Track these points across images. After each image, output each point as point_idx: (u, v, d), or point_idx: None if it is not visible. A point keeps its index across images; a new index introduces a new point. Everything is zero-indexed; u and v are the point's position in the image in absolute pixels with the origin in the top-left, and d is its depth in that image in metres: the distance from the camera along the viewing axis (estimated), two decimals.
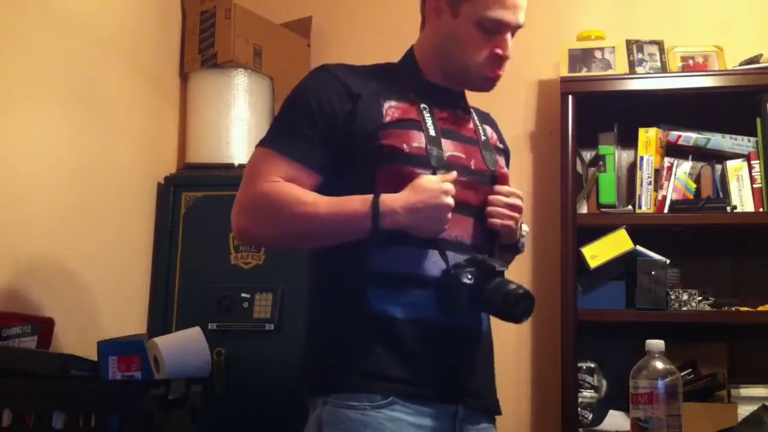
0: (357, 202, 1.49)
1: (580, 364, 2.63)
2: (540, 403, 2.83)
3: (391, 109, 1.57)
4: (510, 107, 2.84)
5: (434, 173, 1.53)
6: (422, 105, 1.60)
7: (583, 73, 2.76)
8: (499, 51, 1.58)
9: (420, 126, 1.57)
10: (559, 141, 2.67)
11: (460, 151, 1.61)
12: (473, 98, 1.74)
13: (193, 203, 2.78)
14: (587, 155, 2.87)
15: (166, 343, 2.24)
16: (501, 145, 1.76)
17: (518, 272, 2.91)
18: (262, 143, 1.59)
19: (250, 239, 1.70)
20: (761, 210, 2.61)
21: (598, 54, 2.80)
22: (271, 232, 1.55)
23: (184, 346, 2.29)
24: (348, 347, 1.52)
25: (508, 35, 1.59)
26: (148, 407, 1.92)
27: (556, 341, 2.61)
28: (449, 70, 1.64)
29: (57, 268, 2.32)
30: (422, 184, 1.49)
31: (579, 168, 2.80)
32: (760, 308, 2.61)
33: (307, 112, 1.56)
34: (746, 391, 2.55)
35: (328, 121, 1.55)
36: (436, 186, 1.48)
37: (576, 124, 2.65)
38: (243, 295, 2.62)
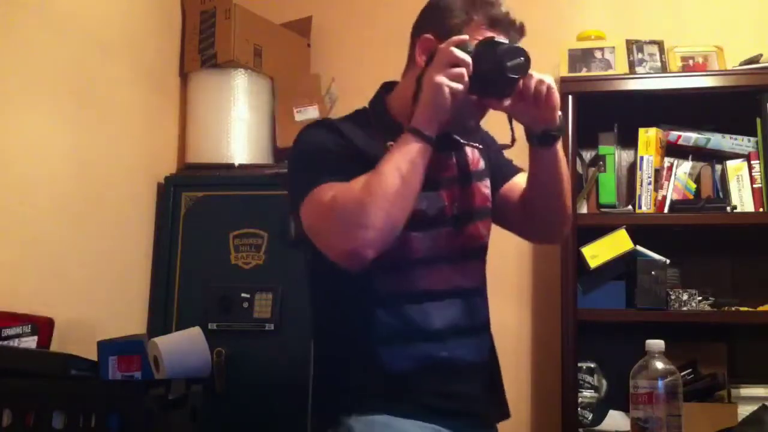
0: (401, 141, 1.49)
1: (580, 364, 2.63)
2: (540, 403, 2.83)
3: None
4: None
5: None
6: None
7: (583, 73, 2.76)
8: None
9: None
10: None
11: (450, 199, 1.63)
12: None
13: (193, 203, 2.78)
14: (587, 155, 2.87)
15: (166, 343, 2.24)
16: (482, 164, 1.73)
17: (519, 271, 2.92)
18: (305, 191, 1.53)
19: (348, 260, 1.50)
20: (761, 210, 2.61)
21: (598, 54, 2.80)
22: (368, 221, 1.45)
23: (184, 346, 2.29)
24: (359, 383, 1.59)
25: None
26: (148, 407, 1.92)
27: (556, 341, 2.61)
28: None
29: (57, 268, 2.32)
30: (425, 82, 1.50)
31: (579, 168, 2.80)
32: (760, 308, 2.61)
33: (329, 151, 1.57)
34: (746, 391, 2.55)
35: (350, 160, 1.56)
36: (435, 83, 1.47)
37: (576, 124, 2.65)
38: (243, 295, 2.62)
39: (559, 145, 1.61)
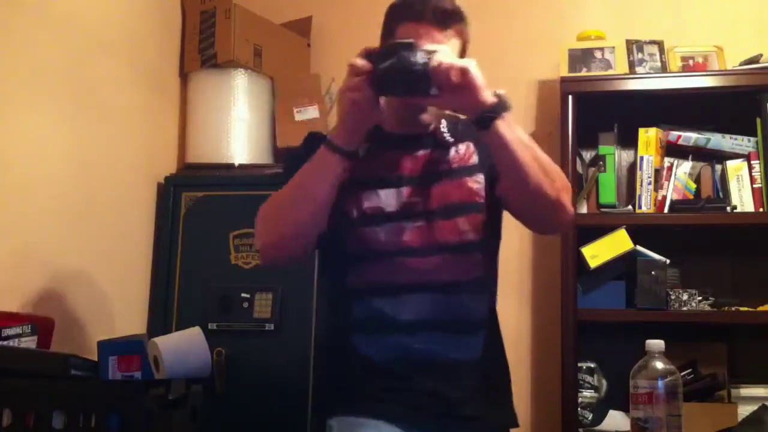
0: (317, 154, 1.61)
1: (580, 364, 2.63)
2: (540, 403, 2.83)
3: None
4: None
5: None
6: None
7: (583, 73, 2.76)
8: None
9: (377, 184, 1.67)
10: (559, 141, 2.66)
11: (417, 195, 1.66)
12: None
13: (193, 203, 2.78)
14: (587, 155, 2.87)
15: (166, 343, 2.24)
16: (476, 159, 1.73)
17: (519, 272, 2.92)
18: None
19: (270, 249, 1.70)
20: (761, 210, 2.61)
21: (598, 54, 2.80)
22: (276, 223, 1.67)
23: (184, 346, 2.29)
24: (343, 382, 1.67)
25: None
26: (148, 407, 1.92)
27: (556, 341, 2.61)
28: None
29: (57, 268, 2.32)
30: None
31: (579, 168, 2.80)
32: (760, 308, 2.61)
33: (298, 162, 1.67)
34: (746, 391, 2.55)
35: None
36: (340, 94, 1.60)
37: (576, 124, 2.65)
38: (243, 295, 2.62)
39: (507, 128, 1.53)
